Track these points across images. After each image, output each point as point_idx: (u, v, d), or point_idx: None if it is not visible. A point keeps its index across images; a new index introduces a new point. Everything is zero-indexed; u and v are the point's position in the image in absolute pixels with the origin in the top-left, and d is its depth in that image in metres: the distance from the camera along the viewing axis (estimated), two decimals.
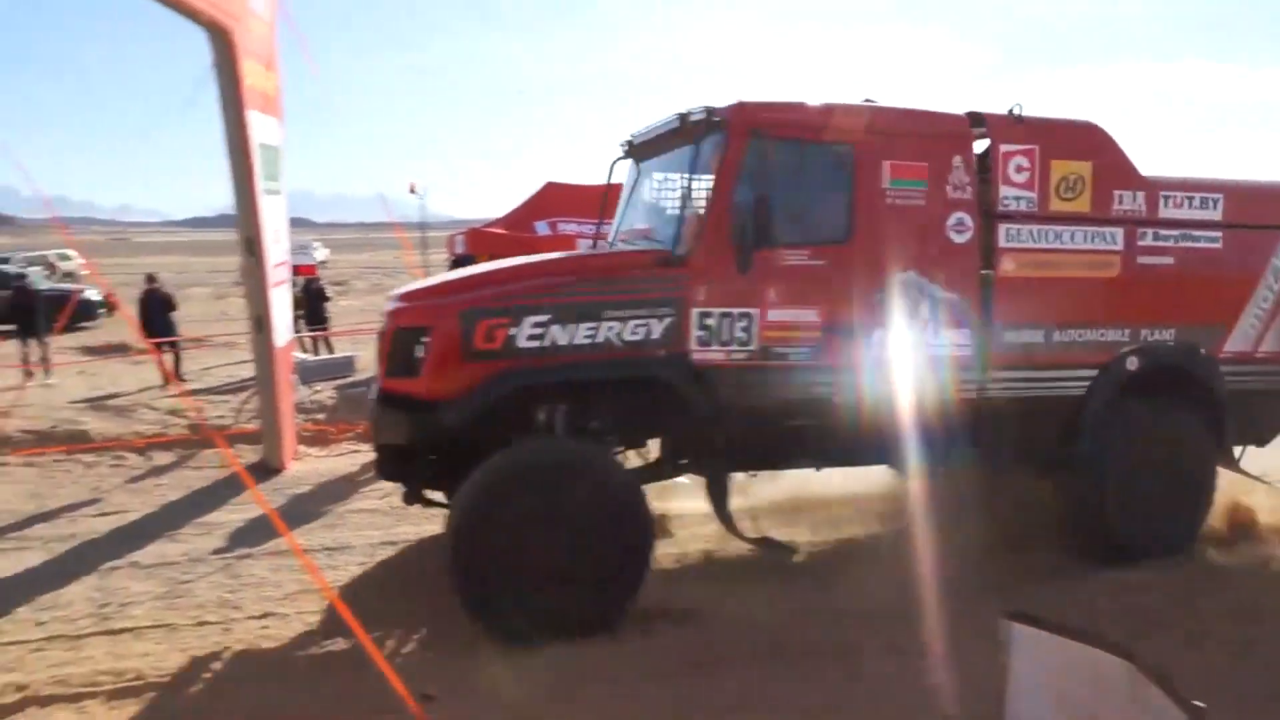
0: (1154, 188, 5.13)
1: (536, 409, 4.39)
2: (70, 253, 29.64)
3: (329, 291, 15.21)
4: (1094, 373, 5.09)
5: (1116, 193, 5.03)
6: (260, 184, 7.16)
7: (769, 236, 4.38)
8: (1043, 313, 4.97)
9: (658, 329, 4.39)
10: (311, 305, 13.73)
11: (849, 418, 4.63)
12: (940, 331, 4.78)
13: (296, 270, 11.59)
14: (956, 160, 4.78)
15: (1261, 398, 5.44)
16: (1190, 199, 5.18)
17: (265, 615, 4.69)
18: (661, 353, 4.40)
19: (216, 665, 4.14)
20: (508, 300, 4.32)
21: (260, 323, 7.61)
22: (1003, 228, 4.87)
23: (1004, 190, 4.88)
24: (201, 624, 4.58)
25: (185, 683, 3.96)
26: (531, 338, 4.25)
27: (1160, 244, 5.15)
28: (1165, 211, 5.14)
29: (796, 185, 4.58)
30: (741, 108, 4.51)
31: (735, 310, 4.47)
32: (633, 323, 4.35)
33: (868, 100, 4.95)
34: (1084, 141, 5.03)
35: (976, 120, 4.91)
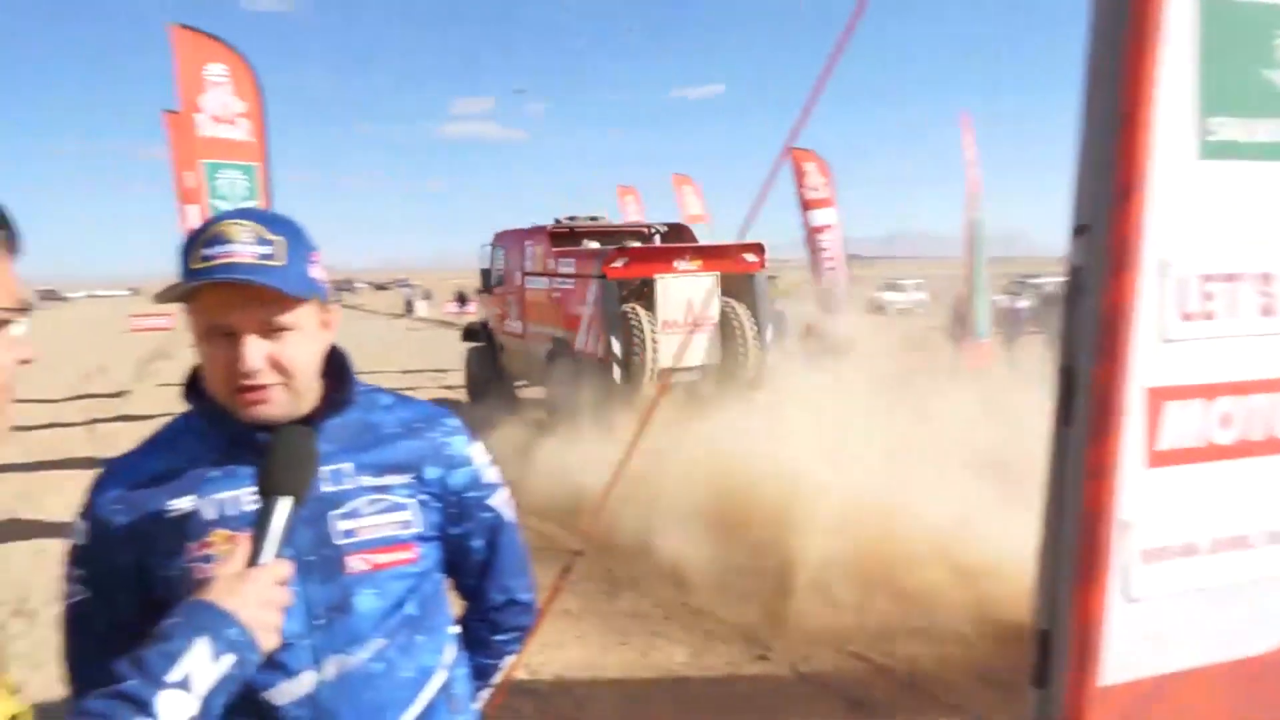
0: (555, 256, 9.86)
1: None
2: None
3: None
4: (550, 344, 10.10)
5: (554, 259, 9.98)
6: None
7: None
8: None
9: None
10: None
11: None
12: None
13: None
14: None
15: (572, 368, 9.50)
16: (569, 260, 9.69)
17: None
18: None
19: None
20: None
21: None
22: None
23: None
24: None
25: None
26: None
27: (556, 286, 9.83)
28: (560, 267, 9.81)
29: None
30: None
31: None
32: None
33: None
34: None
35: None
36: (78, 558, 1.30)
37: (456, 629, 1.51)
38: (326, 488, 1.29)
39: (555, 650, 4.63)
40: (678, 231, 11.03)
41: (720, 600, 5.28)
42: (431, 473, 1.39)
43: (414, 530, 1.35)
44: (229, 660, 0.96)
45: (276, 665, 1.23)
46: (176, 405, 1.36)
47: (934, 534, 5.14)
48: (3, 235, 0.92)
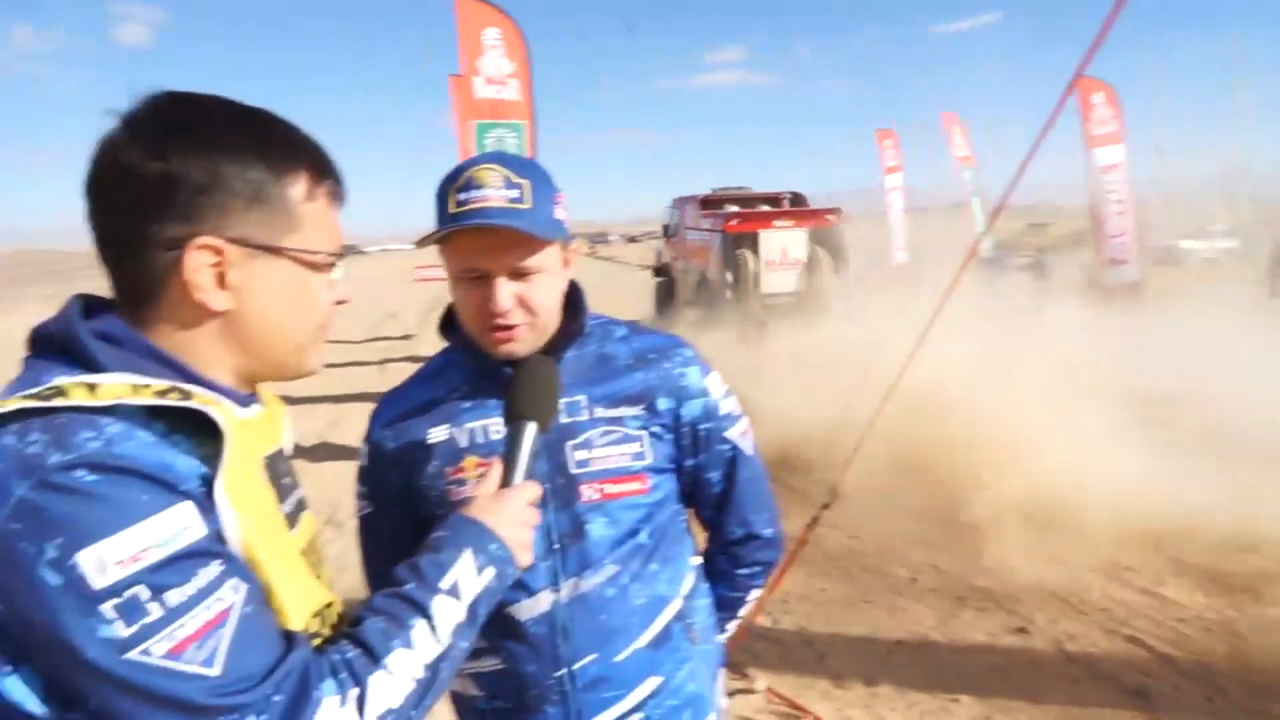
0: (702, 216, 12.68)
1: None
2: None
3: None
4: (698, 277, 12.61)
5: None
6: None
7: None
8: None
9: None
10: None
11: None
12: None
13: None
14: None
15: None
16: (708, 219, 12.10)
17: None
18: None
19: None
20: None
21: None
22: None
23: None
24: None
25: None
26: None
27: (701, 237, 12.93)
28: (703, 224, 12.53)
29: None
30: None
31: None
32: None
33: None
34: None
35: None
36: (362, 477, 1.46)
37: (698, 560, 1.52)
38: (563, 419, 1.34)
39: (798, 601, 4.61)
40: (798, 199, 14.94)
41: (972, 564, 5.00)
42: (664, 404, 1.39)
43: (646, 462, 1.37)
44: (490, 573, 1.01)
45: (518, 584, 1.30)
46: None
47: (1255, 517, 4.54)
48: (334, 186, 1.00)
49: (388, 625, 0.92)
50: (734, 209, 13.95)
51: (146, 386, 0.84)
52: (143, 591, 0.75)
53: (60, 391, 0.81)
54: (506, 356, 1.32)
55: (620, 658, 1.35)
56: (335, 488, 6.19)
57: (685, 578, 1.45)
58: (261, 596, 0.85)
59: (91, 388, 0.82)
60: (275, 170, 0.92)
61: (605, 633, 1.35)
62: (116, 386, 0.83)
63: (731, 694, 3.70)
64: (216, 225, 0.89)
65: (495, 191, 1.26)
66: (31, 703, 0.77)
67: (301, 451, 8.15)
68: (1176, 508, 4.90)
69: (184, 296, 0.89)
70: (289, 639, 0.86)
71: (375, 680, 0.87)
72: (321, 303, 0.99)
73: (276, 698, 0.80)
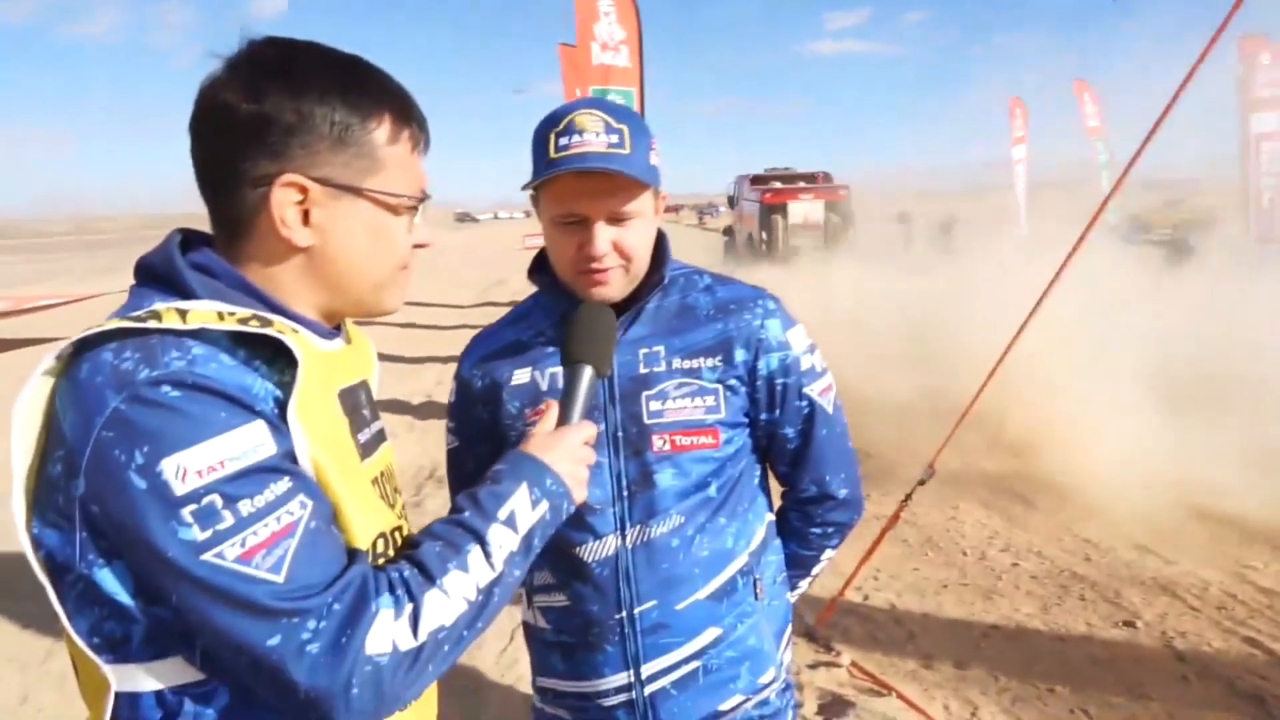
0: (750, 189, 15.95)
1: None
2: None
3: None
4: (746, 237, 16.14)
5: None
6: None
7: None
8: None
9: None
10: None
11: None
12: None
13: None
14: None
15: None
16: (753, 192, 16.16)
17: None
18: None
19: None
20: None
21: None
22: None
23: None
24: None
25: None
26: None
27: (748, 206, 18.19)
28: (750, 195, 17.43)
29: None
30: None
31: None
32: None
33: None
34: None
35: None
36: (451, 413, 1.53)
37: (770, 517, 1.51)
38: (640, 369, 1.36)
39: (889, 579, 4.53)
40: (828, 176, 19.73)
41: (1079, 552, 4.79)
42: (740, 355, 1.38)
43: (719, 415, 1.37)
44: (544, 506, 1.04)
45: (586, 526, 1.35)
46: None
47: None
48: (419, 133, 1.03)
49: (445, 549, 0.96)
50: (776, 184, 19.27)
51: (232, 314, 0.91)
52: (217, 499, 0.82)
53: (156, 315, 0.88)
54: (601, 300, 1.34)
55: (681, 606, 1.37)
56: (439, 446, 6.43)
57: (755, 533, 1.45)
58: (329, 514, 0.90)
59: (183, 313, 0.88)
60: (361, 114, 0.97)
61: (667, 581, 1.37)
62: (205, 313, 0.89)
63: (814, 666, 3.68)
64: (303, 165, 0.94)
65: (595, 137, 1.27)
66: (123, 595, 0.85)
67: (410, 409, 8.49)
68: None
69: (271, 232, 0.95)
70: (351, 555, 0.91)
71: (430, 598, 0.91)
72: (400, 245, 1.03)
73: (336, 606, 0.85)
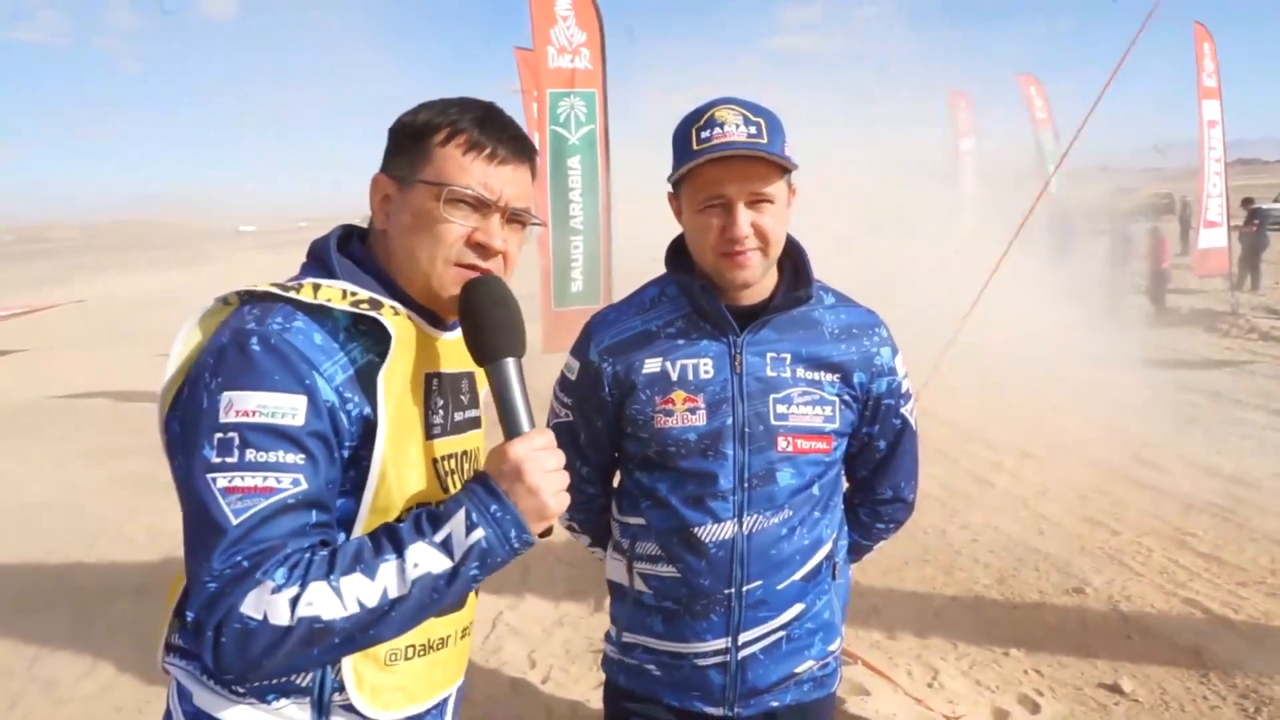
0: None
1: None
2: None
3: None
4: None
5: None
6: None
7: None
8: None
9: None
10: None
11: None
12: None
13: None
14: None
15: None
16: None
17: None
18: None
19: None
20: None
21: None
22: None
23: None
24: None
25: None
26: None
27: None
28: None
29: None
30: None
31: None
32: None
33: None
34: None
35: None
36: (568, 389, 1.64)
37: (842, 507, 1.69)
38: (768, 372, 1.51)
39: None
40: None
41: (1030, 526, 5.04)
42: (858, 378, 1.55)
43: (834, 425, 1.54)
44: (479, 534, 1.04)
45: (707, 510, 1.51)
46: None
47: None
48: (471, 136, 1.17)
49: (365, 551, 1.03)
50: None
51: (354, 294, 1.12)
52: (236, 438, 1.00)
53: (299, 287, 1.09)
54: (741, 284, 1.47)
55: (781, 586, 1.55)
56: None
57: (839, 524, 1.65)
58: (317, 502, 1.05)
59: (316, 288, 1.10)
60: (426, 125, 1.18)
61: (774, 564, 1.54)
62: (332, 290, 1.11)
63: None
64: (387, 165, 1.20)
65: (735, 129, 1.41)
66: None
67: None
68: (1250, 479, 4.83)
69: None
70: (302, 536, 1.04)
71: (316, 589, 0.98)
72: (446, 233, 1.16)
73: (242, 561, 0.98)
